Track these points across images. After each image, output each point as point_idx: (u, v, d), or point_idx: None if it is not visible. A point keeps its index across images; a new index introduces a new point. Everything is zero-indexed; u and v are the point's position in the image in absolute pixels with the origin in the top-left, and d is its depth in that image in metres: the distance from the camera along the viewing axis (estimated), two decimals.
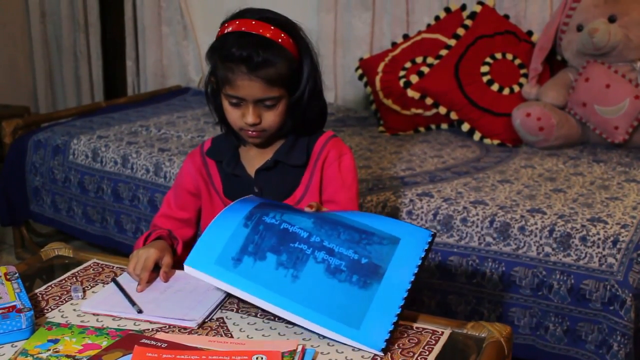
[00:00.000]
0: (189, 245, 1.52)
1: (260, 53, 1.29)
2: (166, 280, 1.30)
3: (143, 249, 1.34)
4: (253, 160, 1.45)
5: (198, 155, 1.51)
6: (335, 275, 1.12)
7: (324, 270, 1.12)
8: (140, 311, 1.17)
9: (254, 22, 1.33)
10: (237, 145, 1.47)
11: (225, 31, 1.35)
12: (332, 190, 1.43)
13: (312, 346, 1.07)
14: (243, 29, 1.32)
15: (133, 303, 1.20)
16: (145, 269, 1.28)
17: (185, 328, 1.13)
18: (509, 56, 2.82)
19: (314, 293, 1.09)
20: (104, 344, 1.06)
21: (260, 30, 1.32)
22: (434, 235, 1.19)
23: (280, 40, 1.33)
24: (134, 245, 1.45)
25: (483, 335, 1.12)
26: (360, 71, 3.10)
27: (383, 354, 1.04)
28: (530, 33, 2.92)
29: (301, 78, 1.37)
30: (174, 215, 1.52)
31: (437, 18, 3.09)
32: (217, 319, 1.17)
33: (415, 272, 1.13)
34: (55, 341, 1.07)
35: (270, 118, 1.36)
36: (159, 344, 1.05)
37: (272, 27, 1.33)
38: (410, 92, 2.84)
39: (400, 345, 1.08)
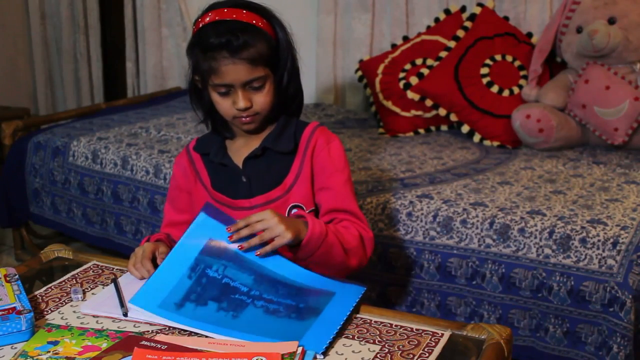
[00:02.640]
0: None
1: (239, 36, 1.31)
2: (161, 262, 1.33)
3: (137, 247, 1.37)
4: (240, 150, 1.47)
5: (184, 155, 1.53)
6: (274, 314, 1.17)
7: (263, 312, 1.17)
8: (125, 314, 1.17)
9: (226, 10, 1.35)
10: (223, 138, 1.49)
11: (200, 25, 1.37)
12: (325, 177, 1.44)
13: None
14: (217, 18, 1.35)
15: (122, 305, 1.20)
16: (144, 257, 1.32)
17: (185, 330, 1.14)
18: (509, 58, 2.82)
19: (253, 325, 1.13)
20: (104, 345, 1.06)
21: (234, 16, 1.34)
22: (366, 290, 1.26)
23: (254, 21, 1.35)
24: None
25: (483, 337, 1.12)
26: (360, 73, 3.10)
27: (323, 357, 1.05)
28: (529, 35, 2.92)
29: (280, 57, 1.40)
30: (176, 220, 1.52)
31: (436, 20, 3.09)
32: None
33: (352, 307, 1.19)
34: (55, 343, 1.07)
35: (261, 99, 1.38)
36: (159, 345, 1.05)
37: (245, 11, 1.35)
38: (410, 94, 2.84)
39: (400, 347, 1.08)
